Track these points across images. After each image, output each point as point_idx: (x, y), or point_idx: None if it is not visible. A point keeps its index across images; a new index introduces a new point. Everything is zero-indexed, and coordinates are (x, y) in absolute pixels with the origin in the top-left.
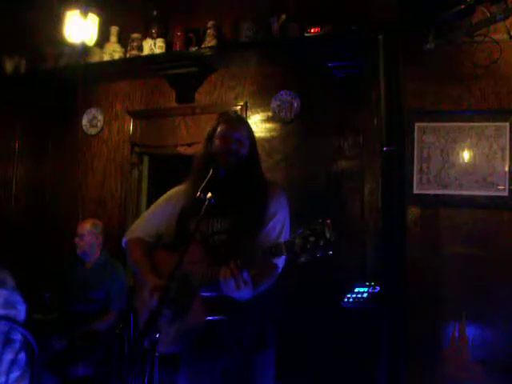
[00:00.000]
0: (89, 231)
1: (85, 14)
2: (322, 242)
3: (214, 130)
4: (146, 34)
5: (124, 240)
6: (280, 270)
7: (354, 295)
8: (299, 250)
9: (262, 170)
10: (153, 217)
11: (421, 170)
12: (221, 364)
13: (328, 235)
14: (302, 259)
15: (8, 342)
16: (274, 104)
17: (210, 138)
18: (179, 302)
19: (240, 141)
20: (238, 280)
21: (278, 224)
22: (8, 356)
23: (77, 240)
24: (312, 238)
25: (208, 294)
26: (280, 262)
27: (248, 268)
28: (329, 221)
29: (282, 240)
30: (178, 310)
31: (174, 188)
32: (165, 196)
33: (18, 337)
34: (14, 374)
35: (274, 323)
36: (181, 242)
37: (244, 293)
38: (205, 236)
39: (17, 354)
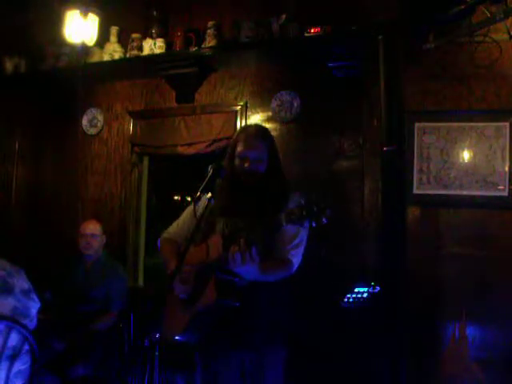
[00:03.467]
0: (93, 231)
1: (85, 14)
2: (315, 209)
3: (234, 147)
4: (146, 34)
5: (158, 240)
6: (295, 266)
7: (353, 295)
8: (297, 217)
9: (283, 178)
10: (183, 222)
11: (421, 170)
12: (237, 355)
13: (322, 204)
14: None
15: (18, 355)
16: (274, 104)
17: (232, 154)
18: (194, 292)
19: (257, 160)
20: (244, 255)
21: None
22: (15, 369)
23: (87, 240)
24: (307, 206)
25: (221, 277)
26: (295, 258)
27: (256, 245)
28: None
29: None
30: (192, 299)
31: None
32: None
33: (27, 348)
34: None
35: (289, 322)
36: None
37: (250, 269)
38: (226, 234)
39: (24, 364)
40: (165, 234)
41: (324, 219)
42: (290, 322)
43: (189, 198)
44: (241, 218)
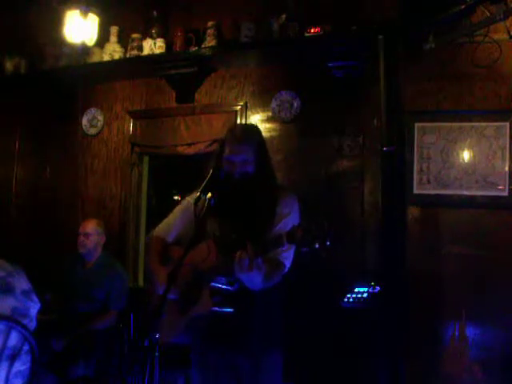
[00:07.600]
0: (94, 230)
1: (85, 14)
2: (321, 233)
3: (222, 149)
4: (146, 34)
5: (147, 237)
6: (286, 270)
7: (354, 295)
8: (299, 239)
9: (272, 176)
10: (174, 221)
11: (421, 170)
12: (230, 360)
13: (327, 226)
14: (304, 249)
15: (18, 355)
16: (274, 104)
17: (220, 154)
18: (189, 294)
19: (244, 162)
20: (252, 261)
21: (289, 225)
22: (15, 369)
23: (81, 239)
24: (313, 227)
25: (217, 286)
26: (287, 261)
27: (260, 256)
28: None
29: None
30: (187, 301)
31: (192, 194)
32: (184, 202)
33: (27, 348)
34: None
35: (283, 325)
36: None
37: (255, 277)
38: (217, 236)
39: (24, 365)
40: (155, 233)
41: (328, 242)
42: (286, 325)
43: (176, 197)
44: (232, 220)
